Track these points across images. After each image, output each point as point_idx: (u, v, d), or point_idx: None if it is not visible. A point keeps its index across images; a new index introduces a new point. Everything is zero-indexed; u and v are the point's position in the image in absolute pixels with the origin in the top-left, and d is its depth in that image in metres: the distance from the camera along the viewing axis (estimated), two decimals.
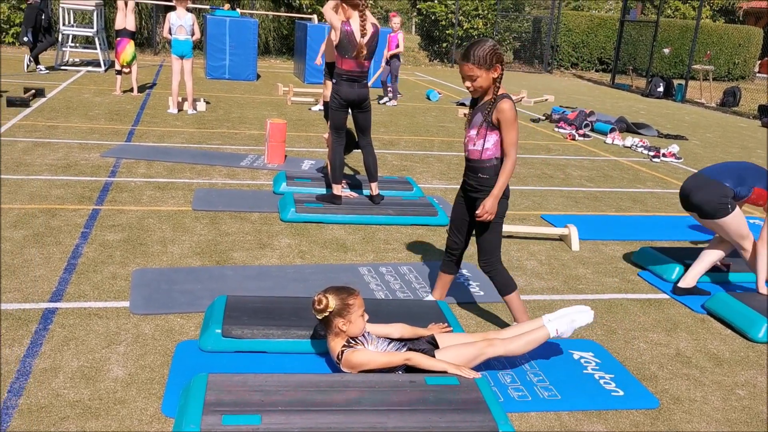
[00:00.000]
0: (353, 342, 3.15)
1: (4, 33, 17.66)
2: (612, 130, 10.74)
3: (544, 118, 12.25)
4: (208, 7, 16.62)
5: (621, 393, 3.32)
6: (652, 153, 9.51)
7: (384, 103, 12.30)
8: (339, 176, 5.74)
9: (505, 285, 3.73)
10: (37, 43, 12.77)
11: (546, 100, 15.05)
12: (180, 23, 9.46)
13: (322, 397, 2.87)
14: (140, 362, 3.27)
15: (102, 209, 5.40)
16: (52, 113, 9.08)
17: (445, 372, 3.10)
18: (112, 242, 4.73)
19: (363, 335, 3.19)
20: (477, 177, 3.65)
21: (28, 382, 3.02)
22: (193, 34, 9.56)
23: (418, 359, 3.13)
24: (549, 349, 3.68)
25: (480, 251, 3.75)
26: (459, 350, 3.23)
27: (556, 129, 11.17)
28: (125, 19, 10.47)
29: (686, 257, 4.95)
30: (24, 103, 9.31)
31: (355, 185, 6.36)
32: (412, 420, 2.78)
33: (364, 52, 5.42)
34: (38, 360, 3.21)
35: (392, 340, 3.28)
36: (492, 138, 3.54)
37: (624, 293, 4.62)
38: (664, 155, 9.44)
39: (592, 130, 11.28)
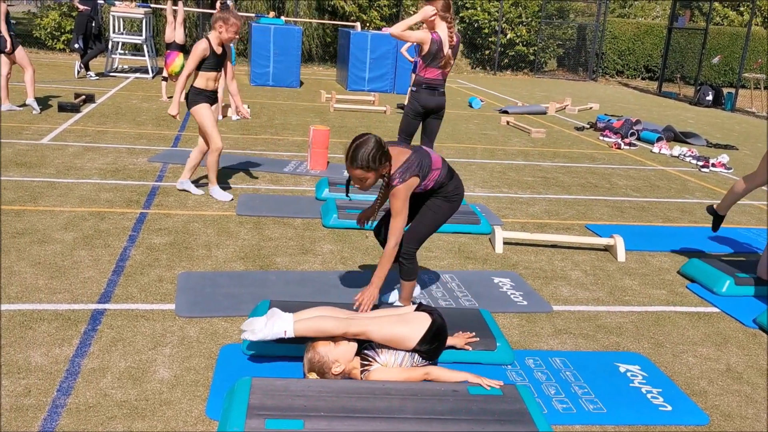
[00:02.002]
0: (366, 362, 3.17)
1: (55, 40, 18.15)
2: (659, 139, 10.56)
3: (588, 126, 12.10)
4: (253, 15, 16.84)
5: (669, 408, 3.24)
6: (701, 163, 9.31)
7: None
8: None
9: (412, 272, 3.84)
10: (88, 50, 13.08)
11: (590, 108, 14.87)
12: None
13: (364, 404, 2.86)
14: (185, 364, 3.31)
15: (149, 213, 5.49)
16: (101, 118, 9.29)
17: (467, 382, 3.08)
18: (159, 245, 4.81)
19: (365, 352, 3.20)
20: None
21: (77, 382, 3.08)
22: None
23: (437, 373, 3.14)
24: (595, 362, 3.62)
25: (407, 239, 3.77)
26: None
27: (601, 137, 11.02)
28: (174, 33, 10.65)
29: (737, 269, 4.83)
30: (75, 109, 9.54)
31: None
32: (455, 429, 2.76)
33: (452, 62, 5.76)
34: (87, 360, 3.27)
35: (399, 349, 3.23)
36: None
37: (672, 306, 4.52)
38: (713, 165, 9.24)
39: (639, 138, 11.10)
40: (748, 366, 3.77)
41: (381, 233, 3.94)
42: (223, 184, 6.45)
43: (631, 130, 11.07)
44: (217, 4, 8.79)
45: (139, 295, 4.01)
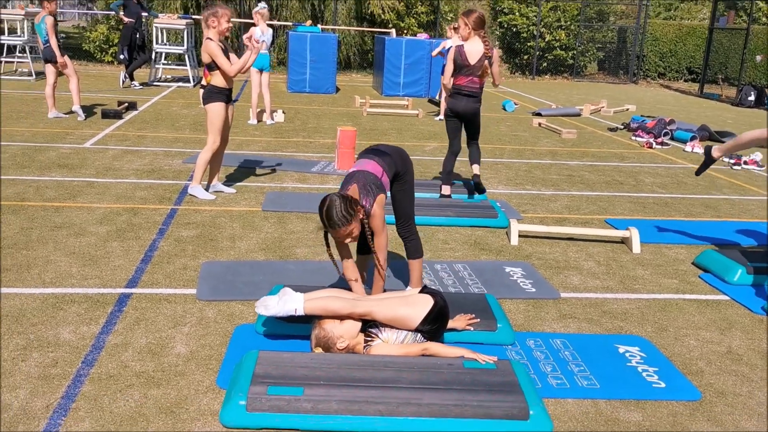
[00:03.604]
0: (369, 338, 3.35)
1: (103, 53, 18.84)
2: (692, 138, 10.50)
3: (622, 127, 12.08)
4: (291, 24, 17.23)
5: (663, 385, 3.34)
6: (732, 160, 9.25)
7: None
8: (446, 178, 6.46)
9: (419, 248, 4.02)
10: (132, 60, 13.60)
11: (627, 109, 14.79)
12: (263, 39, 9.91)
13: (362, 374, 3.04)
14: (201, 341, 3.54)
15: (179, 209, 5.77)
16: (142, 124, 9.69)
17: (462, 357, 3.23)
18: (186, 238, 5.08)
19: (370, 329, 3.37)
20: None
21: (101, 355, 3.33)
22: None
23: (435, 349, 3.30)
24: (595, 343, 3.74)
25: (401, 223, 3.98)
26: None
27: (633, 138, 11.00)
28: None
29: (750, 259, 4.86)
30: (117, 115, 9.97)
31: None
32: (445, 398, 2.91)
33: (488, 71, 6.21)
34: (111, 336, 3.53)
35: (402, 329, 3.39)
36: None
37: (682, 294, 4.58)
38: (745, 163, 9.17)
39: (672, 138, 11.04)
40: (749, 349, 3.83)
41: (363, 250, 4.05)
42: (250, 183, 6.72)
43: (665, 130, 11.02)
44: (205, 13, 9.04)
45: (163, 281, 4.27)
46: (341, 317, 3.38)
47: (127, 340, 3.50)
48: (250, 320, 3.81)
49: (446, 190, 6.44)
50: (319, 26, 15.69)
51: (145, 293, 4.08)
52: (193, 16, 15.62)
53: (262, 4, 9.86)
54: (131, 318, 3.75)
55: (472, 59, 6.11)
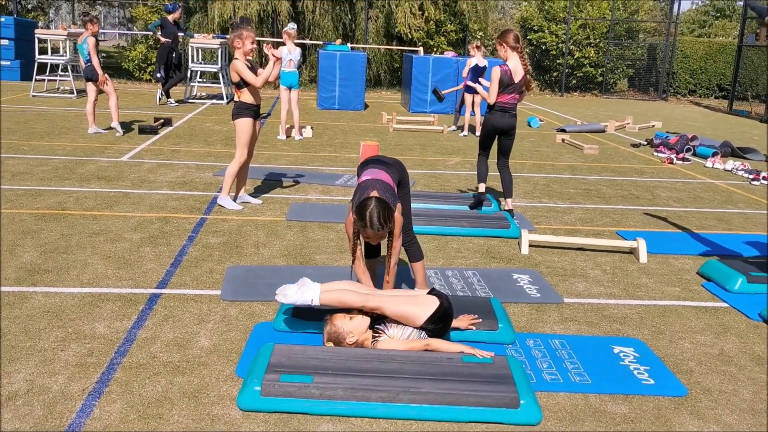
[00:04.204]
0: (376, 334, 3.62)
1: (141, 71, 19.51)
2: (714, 154, 10.61)
3: (645, 143, 12.22)
4: (321, 43, 17.69)
5: (652, 382, 3.55)
6: (752, 176, 9.35)
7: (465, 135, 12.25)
8: (481, 178, 6.80)
9: (419, 251, 4.37)
10: (169, 78, 14.14)
11: (653, 126, 14.90)
12: (290, 57, 10.32)
13: (368, 366, 3.32)
14: (223, 336, 3.85)
15: (208, 218, 6.13)
16: (176, 139, 10.14)
17: (462, 352, 3.48)
18: (213, 244, 5.41)
19: (377, 326, 3.65)
20: None
21: (132, 347, 3.66)
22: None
23: (437, 344, 3.56)
24: (591, 344, 3.96)
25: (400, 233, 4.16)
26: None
27: (655, 153, 11.14)
28: None
29: (751, 269, 5.03)
30: (153, 131, 10.44)
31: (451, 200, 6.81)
32: (442, 387, 3.17)
33: (532, 86, 6.58)
34: (141, 331, 3.86)
35: (407, 325, 3.66)
36: None
37: (682, 301, 4.78)
38: (764, 178, 9.26)
39: (694, 154, 11.15)
40: (741, 352, 4.01)
41: (370, 255, 4.35)
42: (276, 194, 7.06)
43: (687, 146, 11.14)
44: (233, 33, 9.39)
45: (191, 283, 4.60)
46: (352, 311, 3.67)
47: (155, 334, 3.82)
48: (269, 319, 4.11)
49: (482, 187, 6.79)
50: (349, 45, 16.10)
51: (174, 293, 4.41)
52: (227, 36, 16.15)
53: (291, 24, 10.29)
54: (160, 315, 4.08)
55: (517, 77, 6.41)
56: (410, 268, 4.49)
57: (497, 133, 6.63)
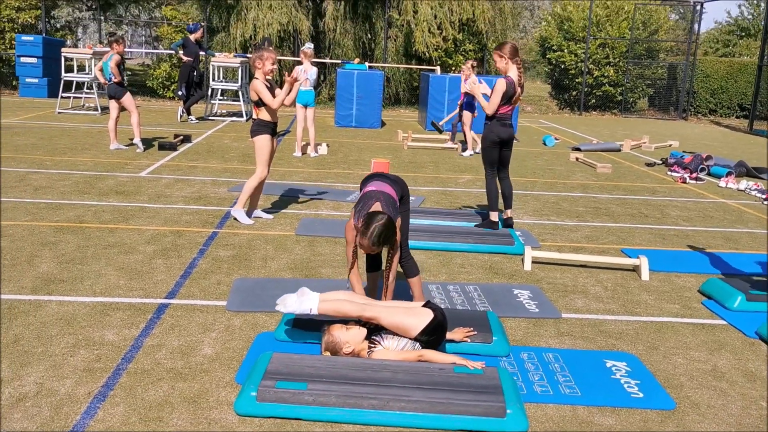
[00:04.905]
0: (372, 344, 3.74)
1: (165, 89, 19.91)
2: (728, 174, 10.62)
3: (660, 162, 12.24)
4: (340, 62, 17.95)
5: (641, 395, 3.63)
6: (764, 196, 9.35)
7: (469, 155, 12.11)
8: (494, 204, 6.76)
9: (415, 267, 4.48)
10: (190, 96, 14.45)
11: (669, 145, 14.89)
12: (306, 76, 10.54)
13: (361, 375, 3.43)
14: (226, 345, 3.99)
15: (220, 232, 6.30)
16: (194, 155, 10.38)
17: (454, 363, 3.59)
18: (223, 257, 5.58)
19: (373, 337, 3.77)
20: None
21: (138, 354, 3.82)
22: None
23: (430, 355, 3.67)
24: (585, 358, 4.04)
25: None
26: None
27: (669, 173, 11.17)
28: None
29: (751, 287, 5.08)
30: (172, 147, 10.69)
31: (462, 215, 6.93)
32: (432, 396, 3.28)
33: (520, 96, 6.68)
34: (148, 339, 4.01)
35: (402, 336, 3.77)
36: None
37: (680, 318, 4.84)
38: None
39: (709, 174, 11.16)
40: (734, 368, 4.07)
41: (373, 268, 4.51)
42: (288, 210, 7.22)
43: (701, 166, 11.15)
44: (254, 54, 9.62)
45: (198, 294, 4.76)
46: (349, 321, 3.80)
47: (161, 342, 3.98)
48: (272, 329, 4.25)
49: (495, 216, 6.74)
50: (367, 64, 16.33)
51: (182, 304, 4.57)
52: (248, 55, 16.46)
53: (308, 44, 10.53)
54: (167, 324, 4.23)
55: (518, 87, 6.59)
56: (408, 284, 4.61)
57: (500, 144, 6.71)
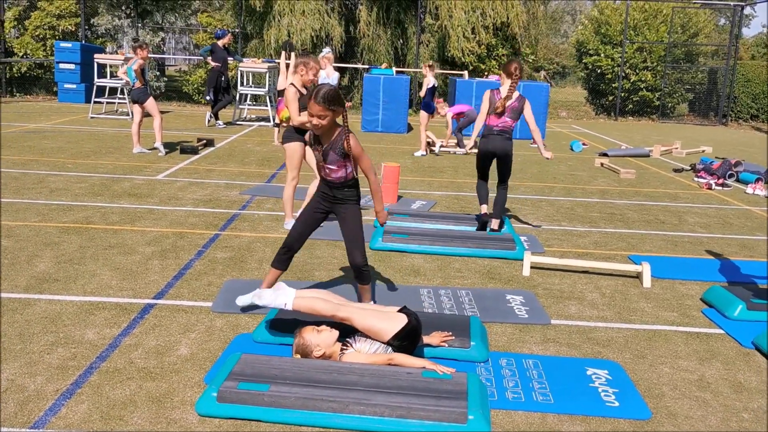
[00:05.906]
0: (344, 347, 3.72)
1: (200, 95, 20.21)
2: (757, 180, 10.30)
3: (688, 168, 11.95)
4: (367, 67, 17.98)
5: (616, 404, 3.52)
6: None
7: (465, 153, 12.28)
8: (482, 199, 6.84)
9: (368, 276, 4.44)
10: (218, 101, 14.64)
11: (702, 151, 14.53)
12: (327, 81, 10.57)
13: (326, 377, 3.41)
14: (203, 346, 4.00)
15: (222, 234, 6.34)
16: (214, 159, 10.49)
17: (424, 368, 3.53)
18: (219, 259, 5.61)
19: (346, 339, 3.76)
20: (343, 191, 4.38)
21: (114, 353, 3.85)
22: None
23: (400, 359, 3.62)
24: (565, 365, 3.94)
25: (355, 254, 4.37)
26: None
27: (695, 179, 10.89)
28: (286, 82, 11.78)
29: (753, 296, 4.90)
30: (194, 151, 10.83)
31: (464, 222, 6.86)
32: (394, 400, 3.23)
33: (500, 109, 6.57)
34: (127, 338, 4.05)
35: (375, 340, 3.74)
36: (349, 165, 4.28)
37: (676, 326, 4.69)
38: None
39: (738, 180, 10.85)
40: (721, 378, 3.93)
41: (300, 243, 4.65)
42: (297, 213, 7.23)
43: (730, 172, 10.85)
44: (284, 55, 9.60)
45: (187, 295, 4.79)
46: (325, 318, 3.78)
47: (139, 342, 4.01)
48: (252, 330, 4.25)
49: (484, 209, 6.81)
50: (394, 69, 16.32)
51: (167, 304, 4.60)
52: (276, 61, 16.61)
53: (327, 49, 10.57)
54: (149, 324, 4.27)
55: (502, 100, 6.60)
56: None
57: (490, 155, 6.69)
